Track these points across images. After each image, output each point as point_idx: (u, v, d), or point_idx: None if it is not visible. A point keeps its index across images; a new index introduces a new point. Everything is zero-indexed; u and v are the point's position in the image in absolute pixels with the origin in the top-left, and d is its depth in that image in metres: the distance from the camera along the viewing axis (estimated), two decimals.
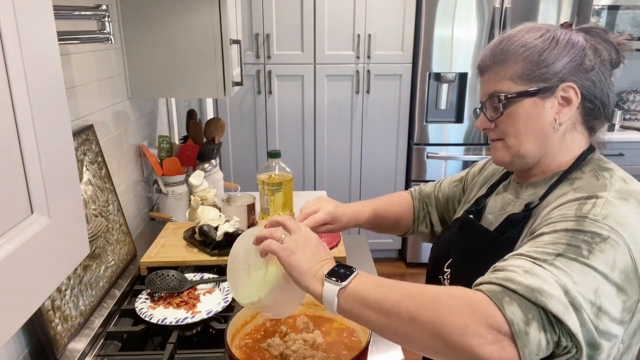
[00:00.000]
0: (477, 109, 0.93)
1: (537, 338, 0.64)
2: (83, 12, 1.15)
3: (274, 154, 1.76)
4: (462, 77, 3.11)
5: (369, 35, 3.03)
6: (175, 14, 1.60)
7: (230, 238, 1.43)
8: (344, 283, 0.74)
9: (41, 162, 0.45)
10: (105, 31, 1.17)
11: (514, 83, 0.85)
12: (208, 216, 1.48)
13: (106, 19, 1.16)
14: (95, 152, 1.37)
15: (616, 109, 3.34)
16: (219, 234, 1.42)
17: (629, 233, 0.71)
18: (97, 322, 1.17)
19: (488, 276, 0.71)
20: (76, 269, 1.16)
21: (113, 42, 1.22)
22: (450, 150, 3.22)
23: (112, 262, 1.35)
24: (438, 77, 3.13)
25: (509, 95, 0.85)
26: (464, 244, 0.96)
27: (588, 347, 0.66)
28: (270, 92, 3.13)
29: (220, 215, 1.50)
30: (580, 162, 0.86)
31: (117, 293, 1.30)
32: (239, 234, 1.44)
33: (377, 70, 3.10)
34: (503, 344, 0.63)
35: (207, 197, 1.65)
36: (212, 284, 1.31)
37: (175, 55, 1.64)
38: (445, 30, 2.99)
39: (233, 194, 1.77)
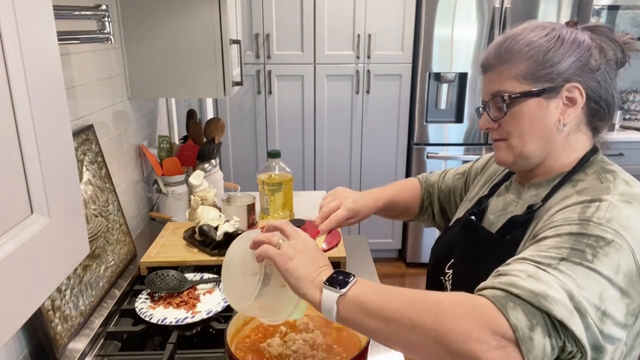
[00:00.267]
0: (480, 108, 0.92)
1: (542, 343, 0.63)
2: (83, 12, 1.15)
3: (274, 154, 1.76)
4: (462, 77, 3.11)
5: (369, 35, 3.03)
6: (175, 14, 1.60)
7: (230, 238, 1.43)
8: (343, 290, 0.72)
9: (41, 162, 0.45)
10: (105, 31, 1.17)
11: (518, 83, 0.84)
12: (208, 216, 1.48)
13: (106, 19, 1.16)
14: (95, 152, 1.37)
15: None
16: (219, 234, 1.42)
17: (632, 236, 0.70)
18: (97, 322, 1.17)
19: (491, 281, 0.70)
20: (76, 269, 1.16)
21: (113, 42, 1.22)
22: (450, 150, 3.22)
23: (112, 262, 1.35)
24: (438, 77, 3.13)
25: (513, 96, 0.84)
26: (465, 246, 0.96)
27: (592, 351, 0.66)
28: (270, 92, 3.13)
29: (220, 215, 1.50)
30: (583, 163, 0.86)
31: (117, 293, 1.30)
32: (239, 234, 1.45)
33: (377, 70, 3.10)
34: (507, 350, 0.63)
35: (207, 197, 1.65)
36: (212, 284, 1.31)
37: (175, 56, 1.64)
38: (445, 30, 2.99)
39: (233, 194, 1.77)
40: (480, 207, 0.99)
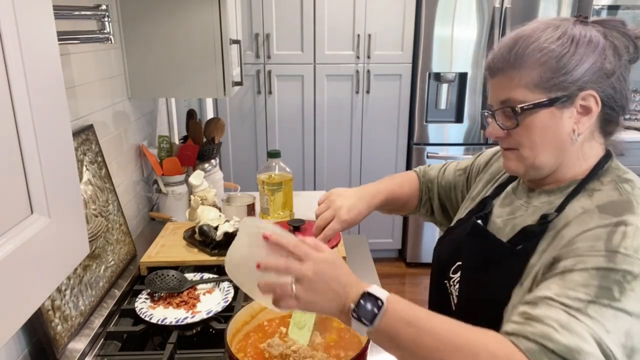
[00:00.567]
0: (486, 113, 0.87)
1: None
2: (83, 12, 1.15)
3: (274, 154, 1.76)
4: (462, 77, 3.11)
5: (369, 35, 3.03)
6: (175, 14, 1.60)
7: (230, 238, 1.43)
8: (372, 326, 0.70)
9: (41, 162, 0.45)
10: (105, 31, 1.17)
11: (529, 91, 0.79)
12: (208, 216, 1.48)
13: (106, 19, 1.16)
14: (95, 152, 1.37)
15: None
16: (219, 234, 1.42)
17: None
18: (97, 322, 1.17)
19: (523, 327, 0.69)
20: (76, 269, 1.16)
21: (113, 42, 1.22)
22: (450, 150, 3.22)
23: (112, 262, 1.35)
24: (438, 77, 3.13)
25: (525, 107, 0.79)
26: (474, 253, 0.92)
27: None
28: (270, 92, 3.13)
29: (220, 215, 1.50)
30: (597, 170, 0.82)
31: (117, 293, 1.30)
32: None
33: (377, 70, 3.10)
34: None
35: (207, 197, 1.65)
36: (212, 284, 1.31)
37: (175, 56, 1.64)
38: (445, 30, 2.99)
39: (233, 194, 1.77)
40: (484, 209, 0.96)
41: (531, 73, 0.78)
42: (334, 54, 3.07)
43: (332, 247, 1.46)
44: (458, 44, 3.02)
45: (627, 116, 3.48)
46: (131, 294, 1.34)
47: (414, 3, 2.98)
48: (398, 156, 3.30)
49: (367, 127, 3.23)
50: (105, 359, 1.09)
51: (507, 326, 0.71)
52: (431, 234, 3.32)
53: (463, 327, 0.70)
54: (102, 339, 1.15)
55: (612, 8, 3.12)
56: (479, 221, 0.94)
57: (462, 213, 1.06)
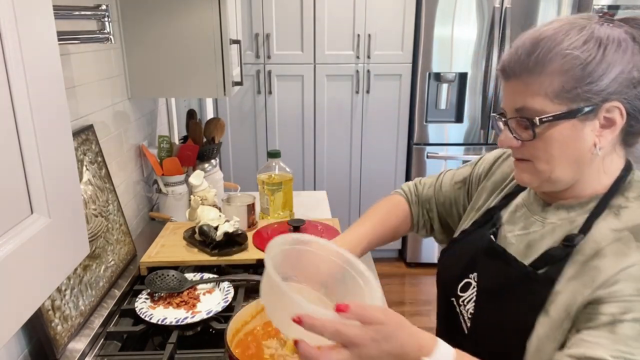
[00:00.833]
0: (497, 118, 0.81)
1: None
2: (83, 12, 1.15)
3: (274, 154, 1.76)
4: (462, 77, 3.11)
5: (369, 35, 3.03)
6: (175, 13, 1.60)
7: (230, 238, 1.43)
8: None
9: (41, 162, 0.45)
10: (105, 31, 1.17)
11: (549, 101, 0.71)
12: (208, 216, 1.48)
13: (106, 19, 1.17)
14: (95, 152, 1.37)
15: None
16: (219, 234, 1.42)
17: None
18: (97, 322, 1.17)
19: None
20: (76, 269, 1.16)
21: (113, 42, 1.22)
22: (450, 150, 3.22)
23: (112, 262, 1.35)
24: (438, 77, 3.13)
25: (543, 119, 0.72)
26: (491, 276, 0.85)
27: None
28: (270, 92, 3.13)
29: (220, 215, 1.50)
30: (619, 185, 0.76)
31: (117, 293, 1.30)
32: (239, 234, 1.45)
33: (377, 70, 3.10)
34: None
35: (207, 197, 1.65)
36: (212, 284, 1.31)
37: (175, 55, 1.64)
38: (445, 30, 2.99)
39: (233, 194, 1.77)
40: (491, 221, 0.89)
41: (552, 81, 0.71)
42: (334, 54, 3.07)
43: None
44: (458, 44, 3.02)
45: None
46: (131, 294, 1.34)
47: (414, 3, 2.99)
48: (398, 156, 3.30)
49: (367, 127, 3.23)
50: (105, 359, 1.09)
51: None
52: None
53: None
54: (102, 339, 1.15)
55: (612, 8, 3.12)
56: (492, 236, 0.88)
57: (466, 224, 1.00)
